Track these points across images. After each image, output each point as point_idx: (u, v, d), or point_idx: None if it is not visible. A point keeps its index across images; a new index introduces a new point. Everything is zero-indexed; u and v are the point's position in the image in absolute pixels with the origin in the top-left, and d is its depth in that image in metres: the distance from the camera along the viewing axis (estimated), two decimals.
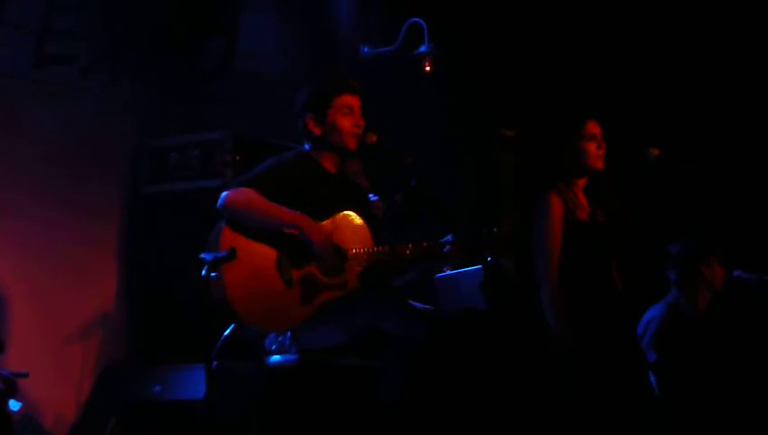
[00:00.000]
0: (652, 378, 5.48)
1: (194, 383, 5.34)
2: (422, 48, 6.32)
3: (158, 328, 5.96)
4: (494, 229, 4.64)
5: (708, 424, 5.42)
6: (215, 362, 4.52)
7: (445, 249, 4.63)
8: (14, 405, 4.86)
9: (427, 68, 6.31)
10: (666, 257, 5.74)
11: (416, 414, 4.34)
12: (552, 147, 5.13)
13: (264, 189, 4.53)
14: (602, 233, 5.04)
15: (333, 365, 4.56)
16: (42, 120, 5.71)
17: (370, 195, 4.98)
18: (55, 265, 5.75)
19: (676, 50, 6.52)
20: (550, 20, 6.70)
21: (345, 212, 4.68)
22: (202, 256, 4.31)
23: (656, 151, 5.11)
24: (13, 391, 4.89)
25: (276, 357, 4.62)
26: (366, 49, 6.74)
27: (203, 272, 4.27)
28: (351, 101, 4.72)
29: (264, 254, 4.50)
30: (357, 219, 4.70)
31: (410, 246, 4.65)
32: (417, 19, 6.36)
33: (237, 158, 5.87)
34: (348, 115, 4.70)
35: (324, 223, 4.61)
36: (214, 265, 4.29)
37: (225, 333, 4.62)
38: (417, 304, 5.02)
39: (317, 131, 4.72)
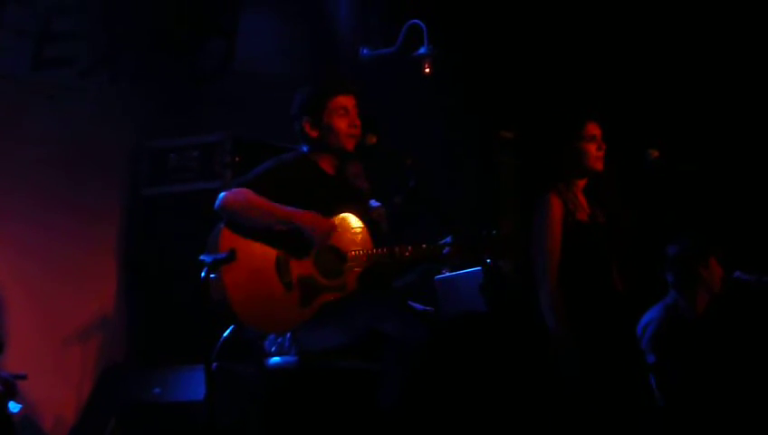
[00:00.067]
0: (651, 379, 5.47)
1: (193, 385, 5.34)
2: (422, 50, 6.32)
3: (158, 330, 5.96)
4: (494, 231, 4.64)
5: (707, 426, 5.41)
6: (214, 364, 4.52)
7: (444, 251, 4.63)
8: (13, 407, 4.86)
9: (427, 69, 6.30)
10: (664, 259, 5.73)
11: (415, 416, 4.34)
12: (551, 148, 5.13)
13: (262, 191, 4.53)
14: (602, 234, 5.04)
15: (333, 367, 4.56)
16: (41, 123, 5.72)
17: (372, 201, 4.97)
18: (55, 267, 5.75)
19: (676, 50, 6.52)
20: (549, 21, 6.70)
21: (344, 214, 4.68)
22: (201, 257, 4.31)
23: (655, 153, 5.11)
24: (12, 393, 4.89)
25: (276, 359, 4.62)
26: (365, 50, 6.74)
27: (202, 273, 4.27)
28: (346, 101, 4.71)
29: (264, 255, 4.50)
30: (356, 221, 4.70)
31: (409, 247, 4.65)
32: (416, 21, 6.36)
33: (237, 159, 5.88)
34: (343, 116, 4.70)
35: None
36: (213, 267, 4.29)
37: (225, 335, 4.62)
38: (417, 306, 5.01)
39: (313, 134, 4.71)
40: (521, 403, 4.76)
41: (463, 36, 6.72)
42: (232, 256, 4.30)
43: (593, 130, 5.06)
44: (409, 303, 4.91)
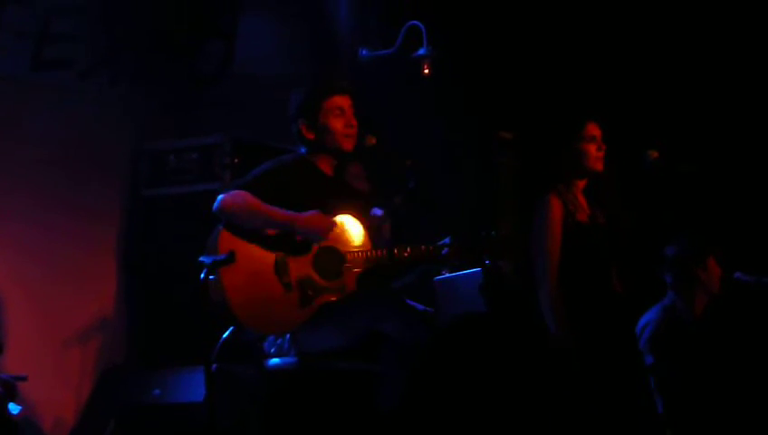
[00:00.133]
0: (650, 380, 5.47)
1: (193, 386, 5.35)
2: (421, 51, 6.31)
3: (158, 331, 5.97)
4: (492, 232, 4.64)
5: (706, 427, 5.41)
6: (214, 366, 4.52)
7: (443, 252, 4.63)
8: (13, 408, 4.86)
9: (426, 71, 6.30)
10: (662, 260, 5.73)
11: (415, 417, 4.34)
12: (551, 149, 5.13)
13: (261, 192, 4.53)
14: (602, 235, 5.04)
15: (332, 368, 4.56)
16: (41, 123, 5.72)
17: (375, 209, 4.96)
18: (54, 268, 5.76)
19: (675, 51, 6.52)
20: (549, 22, 6.69)
21: (343, 215, 4.67)
22: (201, 259, 4.31)
23: (655, 153, 5.11)
24: (12, 395, 4.89)
25: (275, 360, 4.62)
26: (365, 52, 6.73)
27: (201, 275, 4.27)
28: (341, 101, 4.70)
29: (262, 257, 4.50)
30: (355, 222, 4.69)
31: (408, 248, 4.64)
32: (415, 22, 6.35)
33: (236, 161, 5.88)
34: (339, 116, 4.69)
35: None
36: (212, 269, 4.29)
37: (224, 336, 4.62)
38: (418, 306, 5.01)
39: (310, 136, 4.71)
40: (520, 404, 4.75)
41: (462, 37, 6.71)
42: (231, 257, 4.30)
43: (593, 130, 5.06)
44: (410, 303, 4.91)
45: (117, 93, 6.08)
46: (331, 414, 4.58)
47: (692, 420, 5.46)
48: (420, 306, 5.05)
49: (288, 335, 4.57)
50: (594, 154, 5.04)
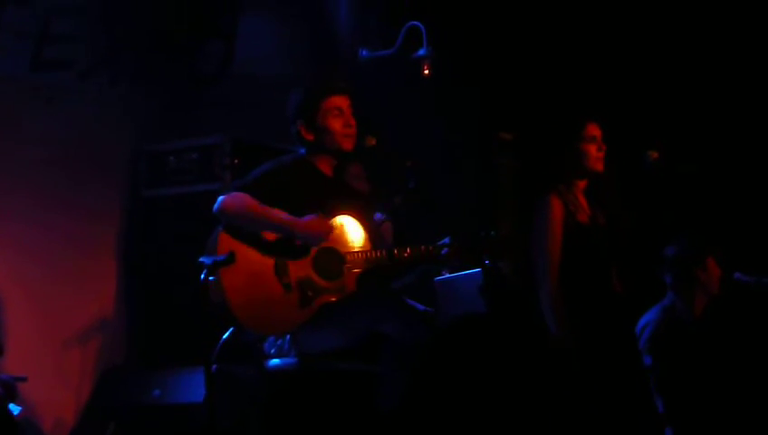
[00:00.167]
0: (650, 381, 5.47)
1: (193, 387, 5.35)
2: (421, 51, 6.31)
3: (158, 332, 5.97)
4: (492, 232, 4.64)
5: (705, 427, 5.41)
6: (214, 366, 4.52)
7: (442, 252, 4.63)
8: (13, 409, 4.86)
9: (426, 71, 6.30)
10: (662, 260, 5.72)
11: (415, 418, 4.34)
12: (552, 149, 5.13)
13: (260, 194, 4.53)
14: (602, 236, 5.04)
15: (332, 369, 4.56)
16: (40, 124, 5.72)
17: (378, 214, 4.95)
18: (54, 269, 5.75)
19: (675, 51, 6.52)
20: (549, 23, 6.70)
21: (342, 215, 4.67)
22: (201, 259, 4.31)
23: (655, 154, 5.11)
24: (12, 396, 4.89)
25: (275, 361, 4.62)
26: (365, 52, 6.73)
27: (202, 276, 4.26)
28: (339, 101, 4.70)
29: (262, 257, 4.50)
30: (354, 223, 4.69)
31: (408, 249, 4.64)
32: (415, 22, 6.35)
33: (235, 161, 5.88)
34: (338, 117, 4.68)
35: None
36: (212, 269, 4.29)
37: (224, 337, 4.62)
38: (419, 306, 5.00)
39: (309, 137, 4.71)
40: (520, 404, 4.75)
41: (462, 38, 6.71)
42: (231, 258, 4.30)
43: (593, 131, 5.06)
44: (410, 303, 4.90)
45: (117, 94, 6.07)
46: (331, 415, 4.58)
47: (692, 421, 5.46)
48: (420, 306, 5.05)
49: (288, 336, 4.57)
50: (594, 154, 5.04)
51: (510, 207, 5.93)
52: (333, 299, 4.55)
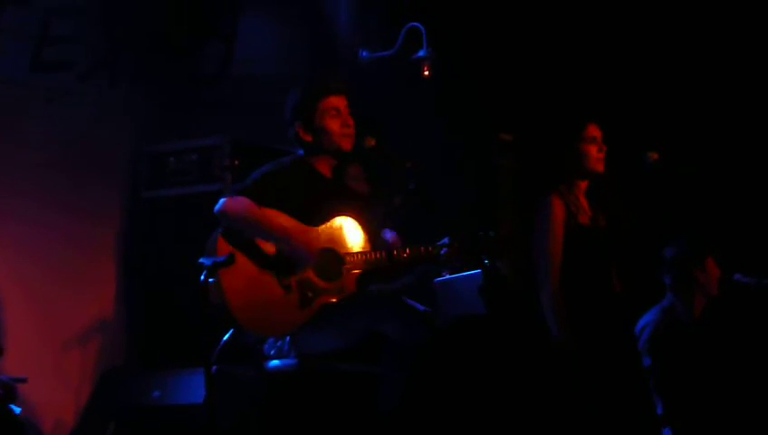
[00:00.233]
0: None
1: (193, 388, 5.34)
2: (421, 52, 6.32)
3: (158, 333, 5.97)
4: (491, 232, 4.64)
5: (704, 428, 5.41)
6: (214, 367, 4.52)
7: (442, 252, 4.63)
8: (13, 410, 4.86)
9: (426, 72, 6.30)
10: (661, 261, 5.72)
11: (415, 419, 4.34)
12: (552, 150, 5.12)
13: (261, 197, 4.53)
14: (603, 237, 5.04)
15: (332, 370, 4.56)
16: (40, 126, 5.72)
17: (386, 231, 4.94)
18: (54, 270, 5.75)
19: (675, 52, 6.52)
20: (549, 23, 6.69)
21: (341, 216, 4.67)
22: (201, 260, 4.31)
23: (654, 155, 5.10)
24: (12, 397, 4.89)
25: (275, 362, 4.62)
26: (365, 53, 6.73)
27: (201, 277, 4.26)
28: (336, 102, 4.69)
29: (262, 259, 4.50)
30: (354, 224, 4.69)
31: (407, 249, 4.64)
32: (415, 23, 6.36)
33: (235, 162, 5.88)
34: (335, 117, 4.68)
35: (320, 228, 4.61)
36: (212, 270, 4.29)
37: (224, 339, 4.62)
38: (418, 306, 5.00)
39: (307, 138, 4.70)
40: (520, 405, 4.75)
41: (462, 39, 6.71)
42: (231, 259, 4.30)
43: (594, 131, 5.06)
44: (410, 303, 4.90)
45: (116, 95, 6.07)
46: (331, 416, 4.58)
47: (691, 421, 5.46)
48: (420, 306, 5.04)
49: (288, 337, 4.57)
50: (595, 155, 5.04)
51: (510, 208, 5.93)
52: (333, 300, 4.55)
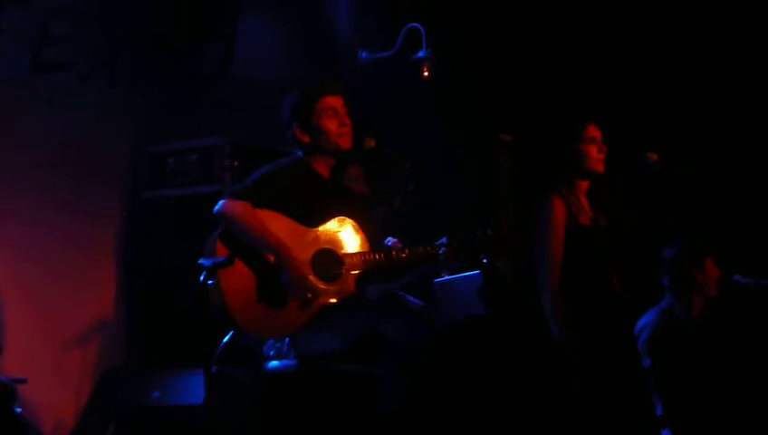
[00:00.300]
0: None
1: (193, 389, 5.34)
2: (420, 53, 6.32)
3: (157, 333, 5.97)
4: (489, 231, 4.65)
5: (704, 429, 5.41)
6: (214, 368, 4.52)
7: (440, 251, 4.63)
8: None
9: (426, 73, 6.31)
10: (660, 262, 5.72)
11: (415, 420, 4.34)
12: (552, 150, 5.12)
13: (259, 198, 4.52)
14: (603, 238, 5.03)
15: (332, 371, 4.56)
16: (40, 126, 5.72)
17: (389, 238, 4.94)
18: (54, 270, 5.76)
19: (674, 53, 6.52)
20: (549, 24, 6.69)
21: (340, 217, 4.67)
22: (200, 261, 4.31)
23: (654, 156, 5.10)
24: (12, 398, 4.89)
25: (275, 363, 4.62)
26: (364, 54, 6.74)
27: (201, 277, 4.26)
28: (333, 102, 4.69)
29: (261, 260, 4.50)
30: (352, 225, 4.69)
31: (406, 250, 4.65)
32: (415, 24, 6.36)
33: (235, 163, 5.88)
34: (332, 117, 4.68)
35: (319, 229, 4.61)
36: (212, 271, 4.29)
37: (225, 341, 4.62)
38: (411, 298, 5.00)
39: (305, 139, 4.70)
40: (521, 406, 4.76)
41: (461, 40, 6.71)
42: (231, 260, 4.30)
43: (594, 132, 5.05)
44: (409, 298, 4.90)
45: (116, 95, 6.07)
46: (331, 417, 4.58)
47: (690, 422, 5.46)
48: (417, 300, 5.04)
49: (287, 338, 4.57)
50: (595, 155, 5.04)
51: (509, 208, 5.93)
52: (333, 301, 4.55)
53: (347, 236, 4.66)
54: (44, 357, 5.65)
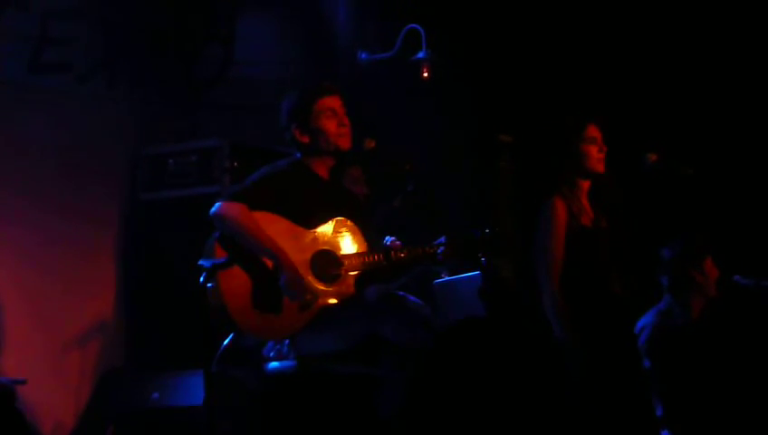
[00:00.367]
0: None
1: (192, 390, 5.34)
2: (420, 54, 6.32)
3: (157, 334, 5.97)
4: (487, 230, 4.64)
5: (703, 429, 5.41)
6: (213, 369, 4.51)
7: (439, 251, 4.63)
8: None
9: (425, 74, 6.31)
10: (659, 262, 5.72)
11: (415, 421, 4.34)
12: (553, 150, 5.12)
13: (258, 199, 4.51)
14: (604, 239, 5.03)
15: (332, 372, 4.55)
16: (39, 128, 5.72)
17: (387, 237, 4.94)
18: (53, 272, 5.75)
19: (674, 53, 6.52)
20: (549, 25, 6.70)
21: (339, 218, 4.66)
22: (200, 262, 4.30)
23: (653, 156, 5.10)
24: (11, 399, 4.89)
25: (275, 364, 4.61)
26: (363, 55, 6.74)
27: (200, 279, 4.26)
28: (332, 102, 4.69)
29: (260, 262, 4.50)
30: (351, 225, 4.68)
31: (405, 250, 4.64)
32: (414, 25, 6.36)
33: (234, 164, 5.88)
34: (331, 117, 4.67)
35: (318, 230, 4.61)
36: (211, 272, 4.28)
37: (225, 343, 4.61)
38: (411, 297, 4.99)
39: (304, 140, 4.69)
40: (521, 406, 4.75)
41: (461, 40, 6.71)
42: (230, 261, 4.29)
43: (594, 132, 5.05)
44: (409, 298, 4.90)
45: (115, 97, 6.07)
46: (331, 418, 4.57)
47: (691, 423, 5.46)
48: (413, 298, 5.03)
49: (287, 339, 4.56)
50: (595, 156, 5.04)
51: (508, 209, 5.93)
52: (332, 302, 4.55)
53: (346, 237, 4.65)
54: (44, 358, 5.65)
